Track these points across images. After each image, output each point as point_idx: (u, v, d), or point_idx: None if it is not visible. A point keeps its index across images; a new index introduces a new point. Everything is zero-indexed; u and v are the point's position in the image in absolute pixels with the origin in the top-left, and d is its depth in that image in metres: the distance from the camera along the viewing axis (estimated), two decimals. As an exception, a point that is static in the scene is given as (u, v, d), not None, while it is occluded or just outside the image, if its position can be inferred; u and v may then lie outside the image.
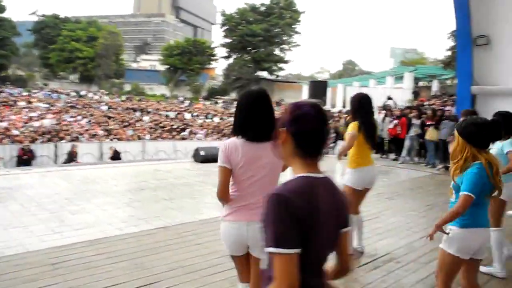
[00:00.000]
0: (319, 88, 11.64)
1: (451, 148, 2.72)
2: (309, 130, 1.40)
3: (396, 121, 12.26)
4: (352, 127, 3.98)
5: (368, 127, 4.01)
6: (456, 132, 2.63)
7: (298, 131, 1.40)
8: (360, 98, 4.09)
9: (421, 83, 28.12)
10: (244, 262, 2.43)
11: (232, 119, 2.52)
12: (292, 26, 53.28)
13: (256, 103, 2.33)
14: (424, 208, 6.56)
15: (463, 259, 2.59)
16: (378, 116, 13.01)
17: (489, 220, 2.75)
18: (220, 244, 2.63)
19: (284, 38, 53.29)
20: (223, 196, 2.34)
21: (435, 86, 26.88)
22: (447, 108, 12.81)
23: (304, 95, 37.12)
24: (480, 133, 2.54)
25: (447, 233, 2.61)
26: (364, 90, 28.73)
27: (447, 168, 10.63)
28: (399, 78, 28.85)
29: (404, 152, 12.04)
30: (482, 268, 3.41)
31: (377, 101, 15.76)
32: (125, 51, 60.03)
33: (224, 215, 2.39)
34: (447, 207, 2.67)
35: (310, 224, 1.30)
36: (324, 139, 1.42)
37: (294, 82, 50.63)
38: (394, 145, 12.65)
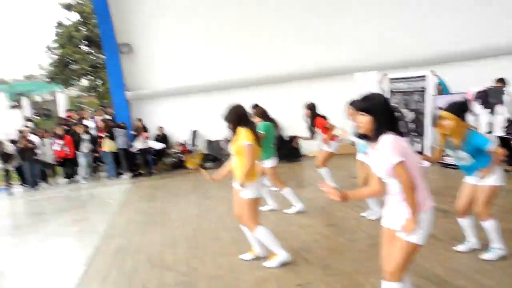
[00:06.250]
0: None
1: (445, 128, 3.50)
2: None
3: (60, 141, 10.95)
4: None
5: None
6: (448, 113, 3.45)
7: None
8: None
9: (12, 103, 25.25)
10: None
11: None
12: None
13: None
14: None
15: None
16: (38, 141, 11.15)
17: None
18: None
19: None
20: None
21: (26, 104, 24.73)
22: (107, 117, 12.67)
23: None
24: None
25: None
26: None
27: (137, 175, 10.85)
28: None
29: (82, 171, 11.10)
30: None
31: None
32: None
33: (425, 205, 2.46)
34: None
35: None
36: None
37: None
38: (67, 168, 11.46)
